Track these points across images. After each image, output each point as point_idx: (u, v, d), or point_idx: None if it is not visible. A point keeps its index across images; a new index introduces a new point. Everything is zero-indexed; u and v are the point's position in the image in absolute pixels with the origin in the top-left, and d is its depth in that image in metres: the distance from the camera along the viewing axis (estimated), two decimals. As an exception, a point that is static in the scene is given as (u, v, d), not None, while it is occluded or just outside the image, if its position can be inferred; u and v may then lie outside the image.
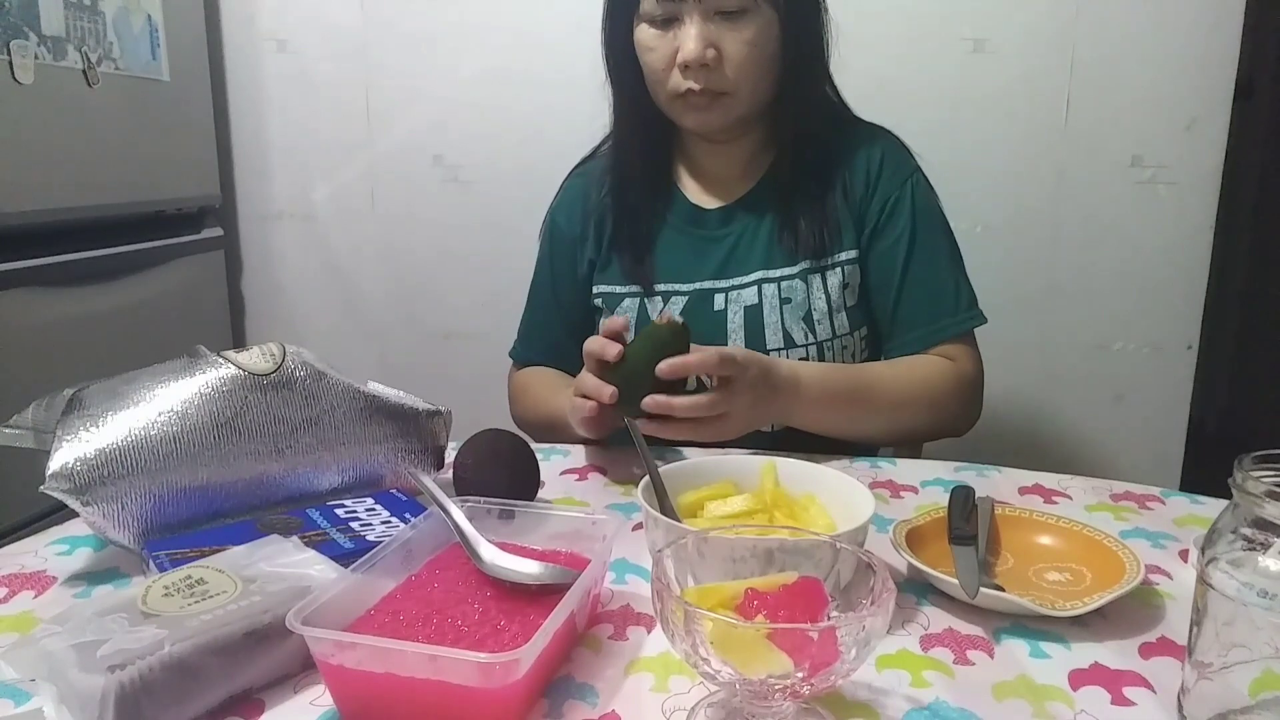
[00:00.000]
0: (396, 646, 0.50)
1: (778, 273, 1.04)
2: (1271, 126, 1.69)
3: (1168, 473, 1.73)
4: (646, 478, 0.72)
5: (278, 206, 1.98)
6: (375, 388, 0.84)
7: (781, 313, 1.03)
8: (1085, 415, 1.73)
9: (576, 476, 0.93)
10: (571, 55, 1.78)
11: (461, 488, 0.79)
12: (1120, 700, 0.55)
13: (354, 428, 0.81)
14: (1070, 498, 0.89)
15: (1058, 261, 1.69)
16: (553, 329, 1.17)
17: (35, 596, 0.67)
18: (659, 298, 1.06)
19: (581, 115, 1.80)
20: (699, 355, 0.86)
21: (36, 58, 1.40)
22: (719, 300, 1.05)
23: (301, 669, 0.56)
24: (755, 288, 1.04)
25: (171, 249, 1.77)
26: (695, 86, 0.96)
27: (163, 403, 0.73)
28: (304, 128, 1.93)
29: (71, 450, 0.69)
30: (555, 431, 1.02)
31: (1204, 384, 1.72)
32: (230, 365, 0.77)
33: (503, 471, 0.81)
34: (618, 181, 1.09)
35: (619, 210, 1.09)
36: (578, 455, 0.99)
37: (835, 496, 0.72)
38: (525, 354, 1.19)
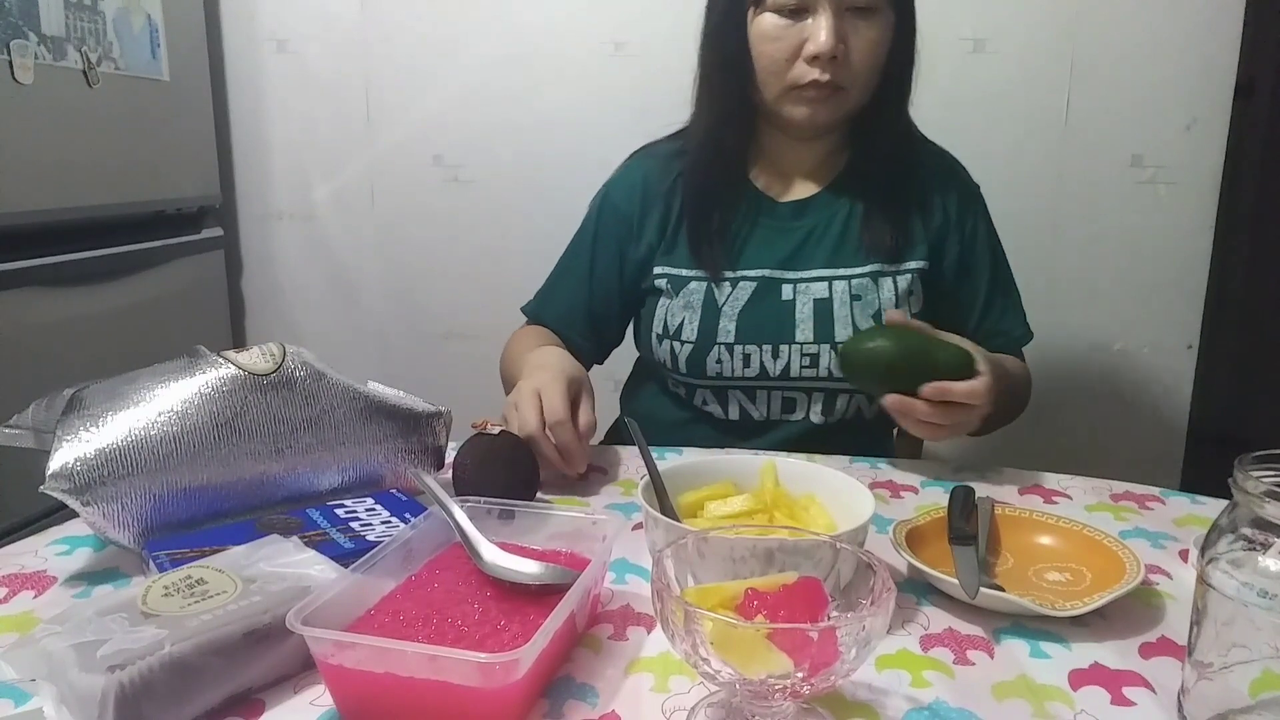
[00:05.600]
0: (396, 646, 0.50)
1: (847, 270, 1.06)
2: (1271, 126, 1.69)
3: (1168, 473, 1.73)
4: (646, 478, 0.72)
5: (278, 206, 1.98)
6: (375, 388, 0.84)
7: (852, 308, 1.05)
8: (1085, 415, 1.73)
9: (577, 476, 0.93)
10: (572, 55, 1.79)
11: (461, 488, 0.79)
12: (1120, 700, 0.55)
13: (354, 428, 0.81)
14: (1070, 498, 0.89)
15: (1058, 261, 1.69)
16: (575, 298, 1.17)
17: (35, 596, 0.67)
18: (727, 283, 1.06)
19: (582, 115, 1.82)
20: (967, 386, 0.88)
21: (36, 58, 1.40)
22: (786, 290, 1.06)
23: (301, 669, 0.56)
24: (825, 283, 1.06)
25: (171, 249, 1.77)
26: (822, 78, 0.97)
27: (163, 403, 0.73)
28: (304, 128, 1.93)
29: (71, 450, 0.69)
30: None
31: (1204, 384, 1.72)
32: (230, 365, 0.77)
33: (502, 471, 0.81)
34: (696, 167, 1.09)
35: (693, 195, 1.09)
36: (578, 455, 0.99)
37: (835, 496, 0.72)
38: (537, 312, 1.20)
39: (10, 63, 1.35)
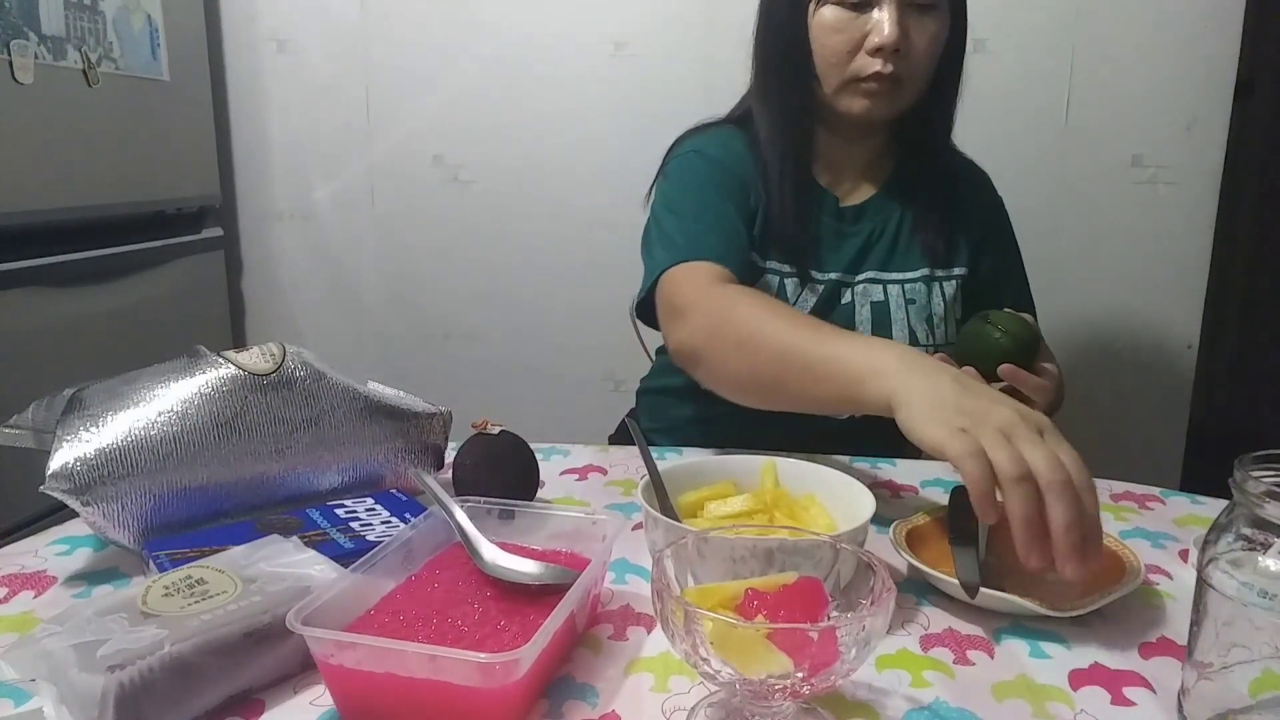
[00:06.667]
0: (396, 646, 0.50)
1: (901, 275, 1.07)
2: (1271, 126, 1.69)
3: (1168, 473, 1.73)
4: (646, 478, 0.72)
5: (278, 206, 1.98)
6: (375, 388, 0.84)
7: (908, 311, 1.06)
8: (1085, 415, 1.73)
9: (576, 476, 0.93)
10: (572, 55, 1.79)
11: (461, 488, 0.79)
12: (1120, 700, 0.55)
13: (354, 428, 0.81)
14: (1070, 498, 0.89)
15: (1058, 261, 1.69)
16: (736, 236, 1.00)
17: (35, 596, 0.67)
18: (799, 283, 1.05)
19: (582, 115, 1.82)
20: (1037, 381, 0.90)
21: (36, 58, 1.40)
22: (846, 294, 1.06)
23: (301, 669, 0.56)
24: (881, 286, 1.07)
25: (171, 249, 1.77)
26: (884, 70, 0.97)
27: (163, 403, 0.73)
28: (304, 128, 1.93)
29: (71, 450, 0.69)
30: (788, 377, 0.79)
31: (1204, 384, 1.72)
32: (230, 365, 0.77)
33: (502, 471, 0.81)
34: (772, 164, 1.06)
35: (779, 193, 1.05)
36: (578, 455, 0.99)
37: (835, 496, 0.72)
38: (705, 250, 0.96)
39: (10, 63, 1.35)
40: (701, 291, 0.91)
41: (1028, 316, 0.96)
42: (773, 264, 1.05)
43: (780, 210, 1.05)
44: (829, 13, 0.98)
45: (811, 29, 1.00)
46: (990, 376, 0.89)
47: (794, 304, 1.05)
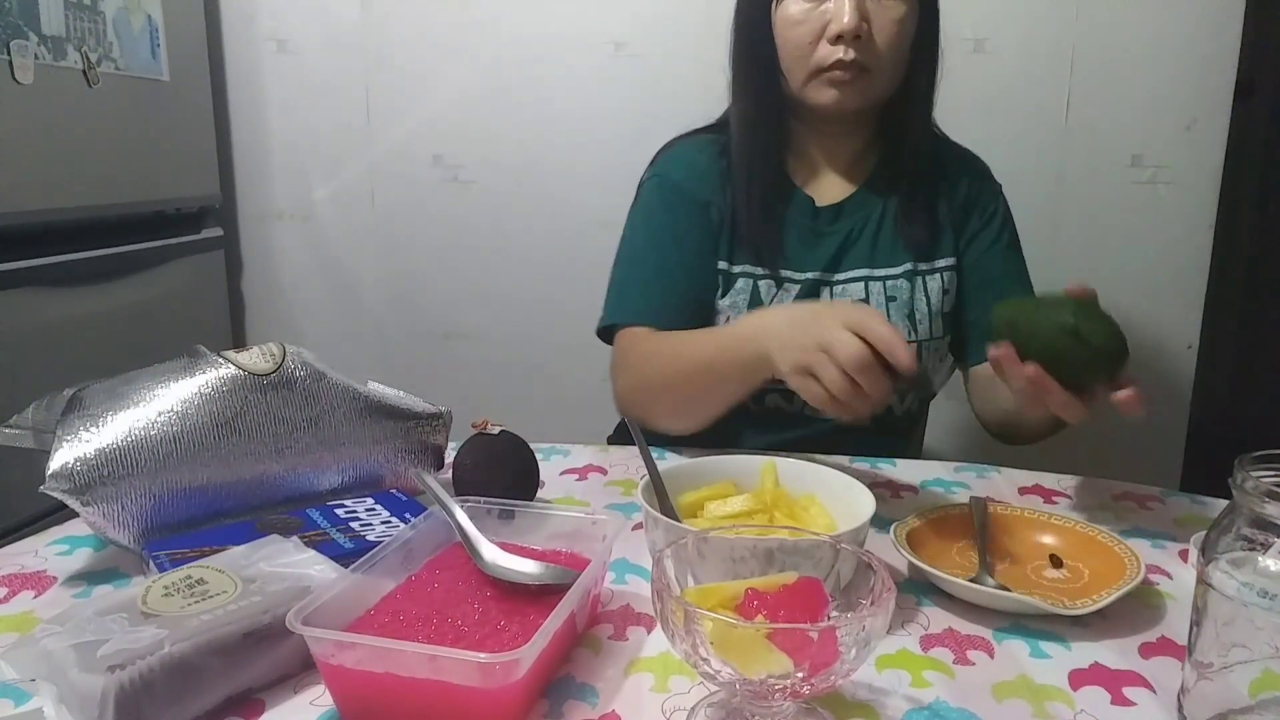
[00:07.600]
0: (396, 646, 0.50)
1: (883, 271, 1.07)
2: (1271, 126, 1.69)
3: (1168, 473, 1.73)
4: (646, 478, 0.72)
5: (278, 206, 1.98)
6: (375, 388, 0.84)
7: (888, 309, 1.06)
8: (1085, 415, 1.73)
9: (576, 476, 0.93)
10: (572, 55, 1.79)
11: (461, 488, 0.79)
12: (1120, 700, 0.55)
13: (354, 428, 0.81)
14: (1070, 498, 0.89)
15: (1057, 261, 1.69)
16: (678, 287, 1.06)
17: (35, 596, 0.68)
18: (774, 284, 1.06)
19: (582, 115, 1.82)
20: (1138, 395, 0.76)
21: (36, 58, 1.40)
22: (825, 293, 1.06)
23: (301, 669, 0.56)
24: (862, 284, 1.06)
25: (171, 249, 1.77)
26: (845, 57, 0.97)
27: (163, 403, 0.73)
28: (304, 128, 1.93)
29: (71, 450, 0.69)
30: (699, 384, 0.94)
31: (1204, 384, 1.72)
32: (230, 365, 0.77)
33: (502, 471, 0.81)
34: (741, 164, 1.07)
35: (743, 192, 1.07)
36: (578, 455, 0.99)
37: (835, 496, 0.72)
38: (644, 314, 1.05)
39: (10, 63, 1.35)
40: (627, 355, 1.04)
41: (1104, 312, 0.79)
42: (744, 267, 1.06)
43: (746, 210, 1.06)
44: (791, 6, 0.99)
45: (776, 25, 1.01)
46: (1077, 387, 0.75)
47: (769, 305, 1.05)
